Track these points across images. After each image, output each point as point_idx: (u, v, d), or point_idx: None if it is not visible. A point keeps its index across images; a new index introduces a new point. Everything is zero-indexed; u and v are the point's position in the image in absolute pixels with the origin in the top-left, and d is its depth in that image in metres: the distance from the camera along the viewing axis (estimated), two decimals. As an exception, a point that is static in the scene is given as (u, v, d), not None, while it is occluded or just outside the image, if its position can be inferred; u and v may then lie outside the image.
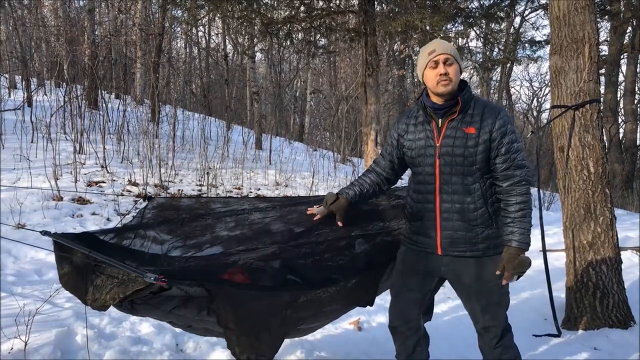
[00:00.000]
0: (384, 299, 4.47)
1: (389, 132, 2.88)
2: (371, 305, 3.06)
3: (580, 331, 4.16)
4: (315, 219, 2.89)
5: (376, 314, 4.43)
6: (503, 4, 9.16)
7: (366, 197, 2.92)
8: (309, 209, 2.97)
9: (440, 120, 2.60)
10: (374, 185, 2.91)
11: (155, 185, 7.68)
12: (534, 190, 3.02)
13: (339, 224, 2.87)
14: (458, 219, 2.60)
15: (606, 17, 12.30)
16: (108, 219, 6.11)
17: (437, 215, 2.63)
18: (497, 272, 2.56)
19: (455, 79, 2.55)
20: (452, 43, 2.75)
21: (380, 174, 2.91)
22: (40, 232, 2.44)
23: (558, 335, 4.06)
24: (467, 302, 2.76)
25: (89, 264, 2.38)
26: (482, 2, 9.46)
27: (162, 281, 2.19)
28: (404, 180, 3.16)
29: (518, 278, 2.58)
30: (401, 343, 2.89)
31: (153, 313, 2.64)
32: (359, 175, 2.99)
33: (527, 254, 2.56)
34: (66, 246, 2.40)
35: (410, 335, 2.84)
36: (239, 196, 8.10)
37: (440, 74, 2.53)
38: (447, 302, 4.74)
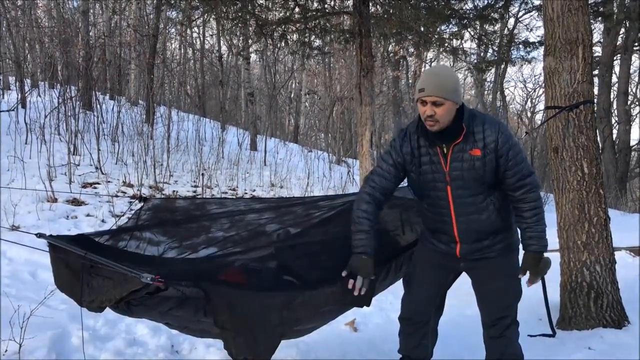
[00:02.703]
0: (380, 300, 4.48)
1: (386, 153, 2.73)
2: (367, 305, 3.07)
3: (574, 331, 4.18)
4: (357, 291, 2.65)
5: (372, 315, 4.44)
6: (497, 6, 9.17)
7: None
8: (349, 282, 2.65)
9: (444, 145, 2.57)
10: (378, 214, 2.75)
11: (150, 187, 7.67)
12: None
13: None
14: (475, 233, 2.68)
15: (599, 18, 12.32)
16: (103, 221, 6.09)
17: (455, 233, 2.70)
18: (520, 275, 2.65)
19: (444, 119, 2.49)
20: (448, 75, 2.54)
21: (381, 201, 2.73)
22: (36, 234, 2.44)
23: (552, 336, 4.05)
24: (482, 295, 2.86)
25: (84, 266, 2.38)
26: (476, 4, 9.49)
27: (158, 282, 2.19)
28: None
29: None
30: (407, 335, 2.97)
31: (149, 314, 2.64)
32: (359, 206, 2.69)
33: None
34: (61, 248, 2.39)
35: (418, 328, 2.93)
36: (234, 197, 8.09)
37: (427, 116, 2.48)
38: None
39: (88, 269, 2.36)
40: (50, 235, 2.41)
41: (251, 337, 2.54)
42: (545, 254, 2.64)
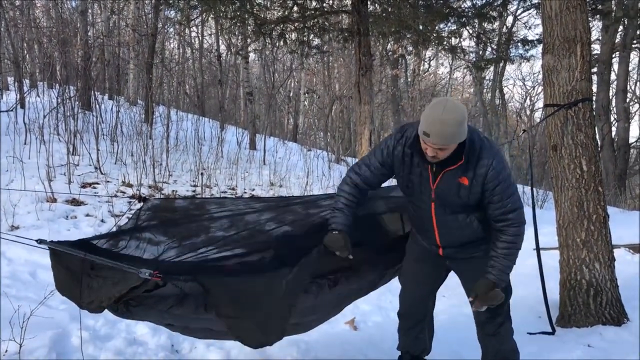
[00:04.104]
0: (379, 298, 4.49)
1: (379, 148, 2.70)
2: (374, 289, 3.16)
3: (574, 329, 4.18)
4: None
5: (372, 314, 4.44)
6: (495, 4, 9.18)
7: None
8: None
9: (435, 166, 2.54)
10: (361, 200, 2.80)
11: (149, 186, 7.66)
12: (527, 189, 3.05)
13: (350, 257, 2.73)
14: (457, 242, 2.74)
15: (598, 16, 12.32)
16: (102, 220, 6.09)
17: (438, 241, 2.76)
18: (470, 299, 2.66)
19: (446, 156, 2.45)
20: (455, 120, 2.35)
21: (363, 189, 2.78)
22: (36, 240, 2.43)
23: (552, 333, 4.08)
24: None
25: (84, 268, 2.38)
26: (474, 2, 9.48)
27: (157, 277, 2.21)
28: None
29: (486, 309, 2.68)
30: (406, 330, 3.07)
31: (149, 314, 2.64)
32: (341, 187, 2.80)
33: (521, 252, 2.64)
34: (62, 253, 2.40)
35: (416, 323, 3.04)
36: (233, 197, 8.09)
37: (430, 155, 2.45)
38: (440, 300, 4.74)
39: (88, 270, 2.37)
40: (51, 242, 2.41)
41: (256, 320, 2.57)
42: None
